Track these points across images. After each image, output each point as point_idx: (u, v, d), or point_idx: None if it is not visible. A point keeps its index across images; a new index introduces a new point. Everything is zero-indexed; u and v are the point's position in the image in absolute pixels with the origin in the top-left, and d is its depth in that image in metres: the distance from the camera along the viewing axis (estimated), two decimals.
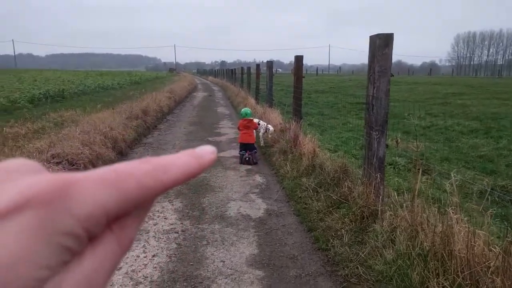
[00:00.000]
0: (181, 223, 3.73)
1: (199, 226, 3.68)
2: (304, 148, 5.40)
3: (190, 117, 12.39)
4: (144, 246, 3.26)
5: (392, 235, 2.78)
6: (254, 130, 6.48)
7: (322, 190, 4.20)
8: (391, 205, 3.10)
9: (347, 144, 6.99)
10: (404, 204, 2.81)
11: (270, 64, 9.90)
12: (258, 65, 13.07)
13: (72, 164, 4.71)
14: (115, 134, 6.59)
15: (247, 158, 6.04)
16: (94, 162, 5.27)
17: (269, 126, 7.08)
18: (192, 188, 4.85)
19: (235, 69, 26.58)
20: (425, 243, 2.35)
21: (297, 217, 3.92)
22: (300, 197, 4.35)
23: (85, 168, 4.92)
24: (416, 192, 2.66)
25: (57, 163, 4.56)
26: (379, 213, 3.14)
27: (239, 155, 6.23)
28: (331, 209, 3.80)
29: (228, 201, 4.37)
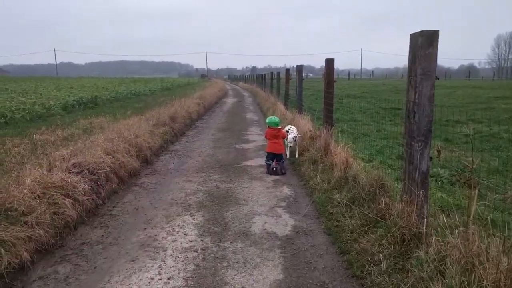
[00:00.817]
0: (201, 240, 3.46)
1: (220, 244, 3.39)
2: (336, 158, 5.01)
3: (219, 123, 12.24)
4: (160, 266, 3.00)
5: (441, 265, 2.37)
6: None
7: (356, 206, 3.81)
8: (438, 228, 2.68)
9: (382, 153, 6.52)
10: (456, 230, 2.39)
11: (299, 68, 9.55)
12: (287, 70, 12.74)
13: (93, 174, 4.57)
14: (140, 141, 6.46)
15: (274, 168, 5.71)
16: (116, 171, 5.13)
17: (291, 133, 6.54)
18: (215, 199, 4.59)
19: (264, 74, 26.36)
20: (485, 281, 1.94)
21: (328, 236, 3.55)
22: (332, 213, 3.97)
23: (107, 178, 4.77)
24: (472, 216, 2.24)
25: (78, 173, 4.43)
26: (424, 237, 2.72)
27: (266, 164, 5.92)
28: (366, 228, 3.40)
29: (252, 216, 4.07)
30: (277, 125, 6.09)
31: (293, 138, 6.40)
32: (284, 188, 5.07)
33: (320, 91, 24.76)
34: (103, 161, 4.90)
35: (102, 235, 3.62)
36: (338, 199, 4.14)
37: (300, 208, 4.32)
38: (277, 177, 5.62)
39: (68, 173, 4.29)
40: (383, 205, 3.48)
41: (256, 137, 9.39)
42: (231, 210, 4.24)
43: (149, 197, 4.75)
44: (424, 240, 2.71)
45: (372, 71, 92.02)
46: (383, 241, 3.04)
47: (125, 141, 6.07)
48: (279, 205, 4.41)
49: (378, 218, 3.42)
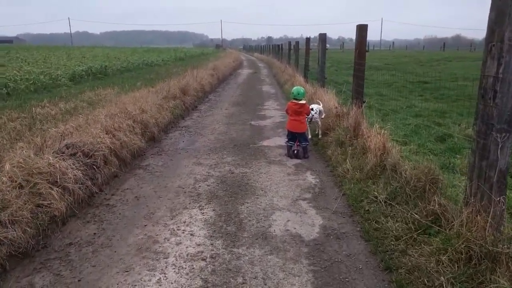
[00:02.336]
0: (211, 244, 2.85)
1: (234, 250, 2.78)
2: (369, 141, 4.28)
3: (233, 96, 11.51)
4: (159, 281, 2.41)
5: None
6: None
7: (398, 204, 3.12)
8: None
9: (419, 134, 5.73)
10: None
11: (322, 36, 8.64)
12: (308, 39, 11.78)
13: (89, 156, 3.97)
14: (146, 117, 5.82)
15: (295, 151, 5.02)
16: (117, 152, 4.53)
17: (315, 107, 5.86)
18: (229, 188, 3.96)
19: (281, 44, 25.21)
20: None
21: (366, 242, 2.89)
22: (368, 210, 3.30)
23: (105, 161, 4.18)
24: None
25: (71, 155, 3.83)
26: (506, 260, 2.04)
27: (286, 145, 5.22)
28: (415, 235, 2.73)
29: (272, 211, 3.43)
30: (301, 95, 5.25)
31: (314, 113, 5.61)
32: (308, 175, 4.40)
33: (340, 63, 23.62)
34: (101, 141, 4.29)
35: (94, 233, 3.05)
36: (375, 193, 3.46)
37: (329, 201, 3.65)
38: (298, 161, 4.94)
39: (60, 156, 3.69)
40: (437, 207, 2.78)
41: (273, 112, 8.66)
42: (247, 202, 3.61)
43: (153, 183, 4.15)
44: (505, 263, 2.03)
45: (393, 42, 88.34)
46: (442, 257, 2.37)
47: (129, 117, 5.44)
48: (303, 197, 3.75)
49: (430, 223, 2.73)
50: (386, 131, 4.25)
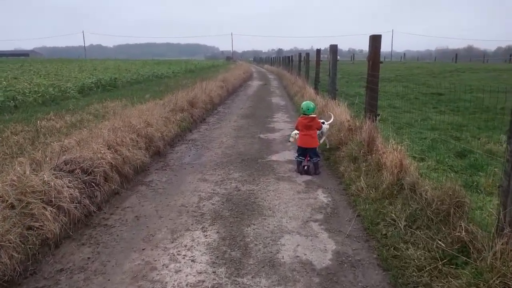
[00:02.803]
0: (214, 272, 2.60)
1: (238, 279, 2.52)
2: (384, 157, 4.01)
3: (243, 108, 11.33)
4: None
5: None
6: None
7: (418, 229, 2.84)
8: None
9: (437, 149, 5.42)
10: None
11: (334, 48, 8.43)
12: (318, 50, 11.59)
13: (88, 173, 3.77)
14: (151, 131, 5.64)
15: (305, 167, 4.76)
16: (119, 168, 4.33)
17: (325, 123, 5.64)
18: (234, 208, 3.72)
19: (291, 56, 25.12)
20: None
21: (385, 272, 2.61)
22: (385, 234, 3.02)
23: (105, 177, 3.98)
24: None
25: (69, 172, 3.65)
26: None
27: (296, 161, 4.97)
28: (440, 266, 2.44)
29: (281, 234, 3.17)
30: (311, 110, 5.05)
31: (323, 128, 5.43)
32: (319, 194, 4.13)
33: (351, 74, 23.37)
34: (102, 157, 4.10)
35: (88, 258, 2.83)
36: (393, 215, 3.18)
37: (342, 223, 3.38)
38: (309, 177, 4.68)
39: (57, 172, 3.50)
40: (464, 233, 2.50)
41: (282, 125, 8.43)
42: (254, 224, 3.36)
43: (155, 201, 3.93)
44: None
45: (404, 54, 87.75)
46: None
47: (132, 131, 5.26)
48: (314, 219, 3.48)
49: (456, 253, 2.44)
50: (403, 147, 3.97)
